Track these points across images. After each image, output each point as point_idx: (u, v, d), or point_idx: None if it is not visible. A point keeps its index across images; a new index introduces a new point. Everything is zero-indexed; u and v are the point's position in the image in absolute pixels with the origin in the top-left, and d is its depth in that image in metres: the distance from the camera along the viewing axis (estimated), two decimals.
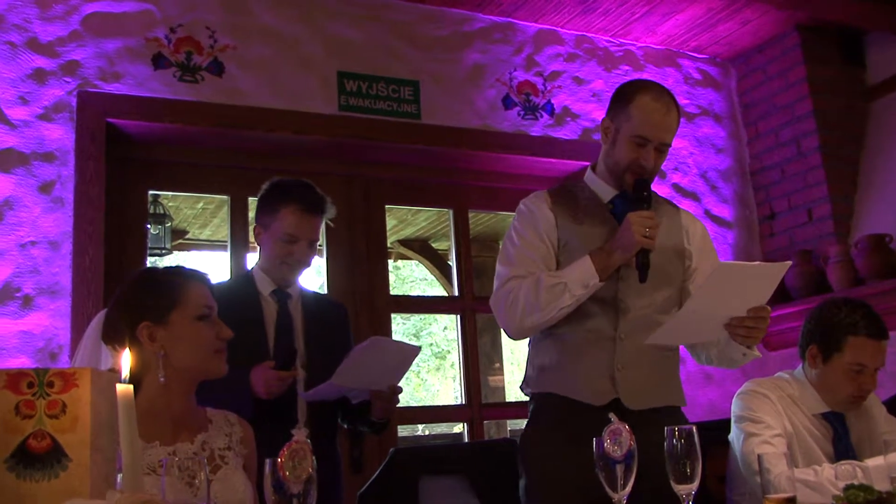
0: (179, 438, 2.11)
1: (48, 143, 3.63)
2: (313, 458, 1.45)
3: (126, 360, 1.22)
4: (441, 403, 15.68)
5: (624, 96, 2.70)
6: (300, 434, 1.44)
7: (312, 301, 3.11)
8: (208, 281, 2.24)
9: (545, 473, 2.57)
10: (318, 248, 4.40)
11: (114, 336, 2.11)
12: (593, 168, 2.83)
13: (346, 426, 3.14)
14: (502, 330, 2.75)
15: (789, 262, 2.45)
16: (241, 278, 3.12)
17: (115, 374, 1.34)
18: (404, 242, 8.24)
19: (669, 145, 2.70)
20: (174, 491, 1.42)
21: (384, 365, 2.78)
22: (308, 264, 3.03)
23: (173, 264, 2.41)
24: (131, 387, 1.22)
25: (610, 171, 2.73)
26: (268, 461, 1.45)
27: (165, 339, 2.09)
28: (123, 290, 2.19)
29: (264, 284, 3.00)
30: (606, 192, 2.76)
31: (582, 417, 2.17)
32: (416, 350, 2.90)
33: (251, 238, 4.35)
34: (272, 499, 1.44)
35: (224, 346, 2.17)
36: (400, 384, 2.92)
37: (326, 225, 3.14)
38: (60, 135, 3.66)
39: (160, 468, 1.89)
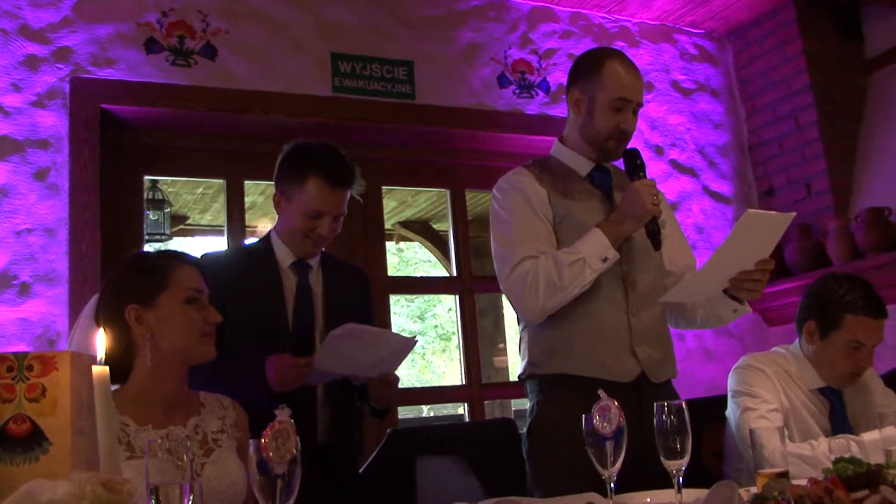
0: (172, 421, 2.12)
1: (42, 130, 3.62)
2: (297, 438, 1.44)
3: (101, 342, 1.22)
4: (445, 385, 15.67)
5: (591, 65, 2.72)
6: (283, 414, 1.43)
7: (334, 270, 2.89)
8: (200, 264, 2.24)
9: (564, 454, 2.49)
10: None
11: (105, 318, 2.12)
12: (562, 141, 2.83)
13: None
14: (518, 314, 2.71)
15: (794, 213, 2.47)
16: (259, 248, 2.85)
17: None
18: (405, 224, 8.22)
19: (641, 106, 2.73)
20: (161, 473, 1.42)
21: (372, 354, 2.58)
22: (331, 239, 2.79)
23: (168, 248, 2.41)
24: (107, 368, 1.22)
25: (589, 142, 2.73)
26: (251, 442, 1.44)
27: (153, 322, 2.10)
28: (114, 273, 2.20)
29: (284, 255, 2.78)
30: (581, 164, 2.76)
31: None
32: (410, 342, 2.66)
33: (248, 221, 4.37)
34: (257, 479, 1.44)
35: (212, 330, 2.16)
36: (397, 372, 2.73)
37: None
38: (54, 121, 3.65)
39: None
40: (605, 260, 2.52)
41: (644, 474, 2.24)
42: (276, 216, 2.88)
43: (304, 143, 2.81)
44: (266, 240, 2.86)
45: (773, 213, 2.51)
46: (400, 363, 2.72)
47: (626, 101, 2.65)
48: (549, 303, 2.55)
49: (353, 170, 2.77)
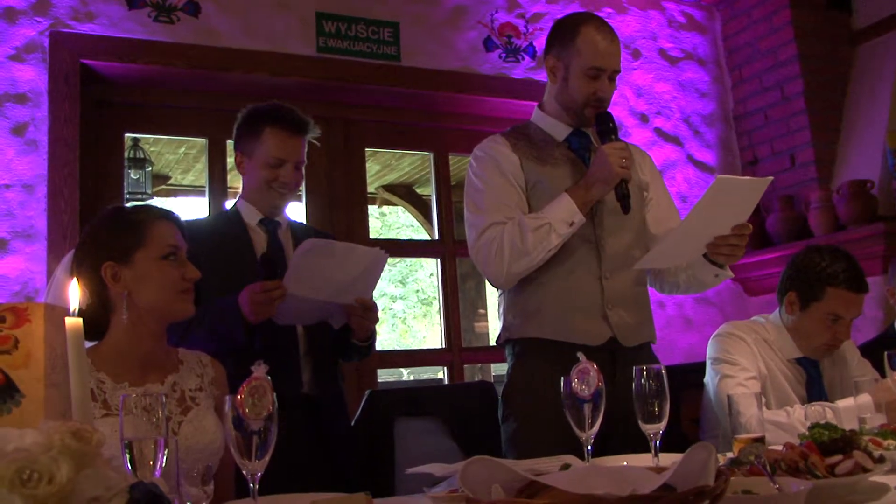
0: (149, 379, 2.10)
1: (20, 85, 3.57)
2: (274, 395, 1.43)
3: (75, 293, 1.20)
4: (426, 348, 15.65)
5: (567, 31, 2.69)
6: (260, 370, 1.42)
7: (302, 231, 2.97)
8: (178, 220, 2.21)
9: (537, 418, 2.55)
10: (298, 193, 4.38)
11: (81, 276, 2.09)
12: (540, 107, 2.82)
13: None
14: (487, 280, 2.72)
15: (770, 178, 2.47)
16: (227, 212, 2.98)
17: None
18: (389, 188, 8.18)
19: (619, 72, 2.70)
20: (137, 430, 1.41)
21: (344, 272, 2.60)
22: (295, 189, 2.89)
23: (145, 203, 2.38)
24: (80, 321, 1.20)
25: (566, 109, 2.72)
26: (227, 397, 1.43)
27: (129, 280, 2.07)
28: (90, 229, 2.16)
29: (251, 215, 2.86)
30: (559, 130, 2.76)
31: (575, 359, 2.09)
32: (381, 256, 2.68)
33: (230, 182, 4.33)
34: (233, 435, 1.43)
35: (191, 286, 2.14)
36: (376, 305, 2.73)
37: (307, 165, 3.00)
38: (33, 76, 3.60)
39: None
40: (571, 224, 2.52)
41: (614, 439, 2.25)
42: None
43: (255, 105, 2.92)
44: (234, 206, 2.94)
45: (747, 178, 2.51)
46: (375, 283, 2.75)
47: (600, 69, 2.63)
48: (515, 268, 2.55)
49: (305, 118, 2.88)
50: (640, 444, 2.18)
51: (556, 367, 2.10)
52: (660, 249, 2.54)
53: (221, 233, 2.81)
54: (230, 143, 4.19)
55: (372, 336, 2.82)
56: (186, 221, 2.79)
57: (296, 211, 4.11)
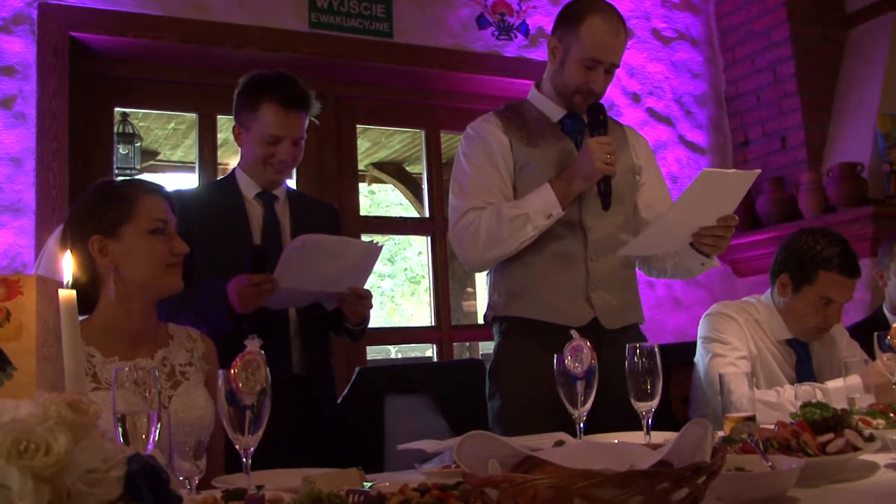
0: (139, 353, 2.10)
1: (8, 57, 3.53)
2: (267, 369, 1.43)
3: (68, 265, 1.19)
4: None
5: (573, 16, 2.65)
6: (253, 344, 1.41)
7: (301, 202, 2.91)
8: (167, 194, 2.19)
9: (522, 396, 2.58)
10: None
11: (70, 249, 2.07)
12: (537, 86, 2.81)
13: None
14: (462, 262, 2.72)
15: (758, 171, 2.47)
16: (223, 181, 2.88)
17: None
18: (378, 165, 8.15)
19: (618, 66, 2.67)
20: (128, 404, 1.40)
21: (336, 265, 2.55)
22: (293, 166, 2.80)
23: (135, 178, 2.36)
24: (73, 292, 1.19)
25: (558, 92, 2.71)
26: (221, 372, 1.43)
27: (117, 254, 2.05)
28: (79, 202, 2.15)
29: (248, 187, 2.77)
30: (554, 111, 2.74)
31: (559, 339, 2.04)
32: (375, 248, 2.65)
33: (220, 158, 4.30)
34: (226, 410, 1.43)
35: (179, 260, 2.12)
36: (369, 293, 2.70)
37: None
38: (21, 48, 3.56)
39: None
40: (549, 216, 2.52)
41: (599, 418, 2.23)
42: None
43: (257, 73, 2.80)
44: (231, 174, 2.86)
45: (733, 171, 2.51)
46: (368, 274, 2.71)
47: (597, 61, 2.60)
48: (489, 254, 2.57)
49: (306, 92, 2.77)
50: (625, 424, 2.18)
51: (542, 345, 2.11)
52: (645, 237, 2.54)
53: (217, 203, 2.75)
54: (221, 119, 4.20)
55: (365, 321, 2.80)
56: (179, 191, 2.77)
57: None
